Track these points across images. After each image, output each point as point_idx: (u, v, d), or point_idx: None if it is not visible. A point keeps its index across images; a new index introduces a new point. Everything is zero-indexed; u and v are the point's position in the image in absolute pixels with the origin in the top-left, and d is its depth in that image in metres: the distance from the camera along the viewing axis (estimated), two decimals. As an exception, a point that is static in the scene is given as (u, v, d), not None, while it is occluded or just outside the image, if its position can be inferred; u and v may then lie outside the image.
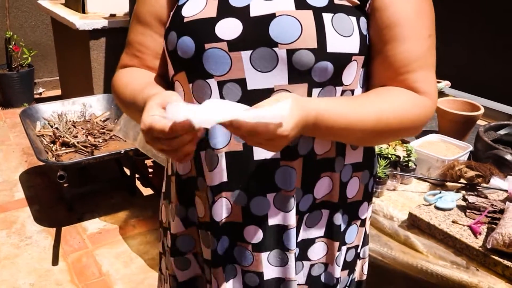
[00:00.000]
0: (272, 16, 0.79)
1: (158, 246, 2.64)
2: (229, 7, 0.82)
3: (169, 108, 0.66)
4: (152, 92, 0.79)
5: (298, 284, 0.96)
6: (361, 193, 0.96)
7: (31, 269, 2.42)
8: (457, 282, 1.16)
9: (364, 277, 1.09)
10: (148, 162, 3.31)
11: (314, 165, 0.87)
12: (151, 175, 3.27)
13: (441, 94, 2.13)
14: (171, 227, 1.00)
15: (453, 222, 1.26)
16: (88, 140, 2.92)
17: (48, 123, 3.06)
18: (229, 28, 0.80)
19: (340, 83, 0.83)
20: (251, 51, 0.80)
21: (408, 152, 1.51)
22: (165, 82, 0.93)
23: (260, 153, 0.84)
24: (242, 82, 0.81)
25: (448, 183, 1.45)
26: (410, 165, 1.50)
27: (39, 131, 2.98)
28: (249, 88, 0.81)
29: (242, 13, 0.81)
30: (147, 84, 0.88)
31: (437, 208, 1.32)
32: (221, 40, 0.80)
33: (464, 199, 1.33)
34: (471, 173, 1.39)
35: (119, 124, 2.66)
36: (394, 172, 1.47)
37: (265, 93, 0.80)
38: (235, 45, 0.80)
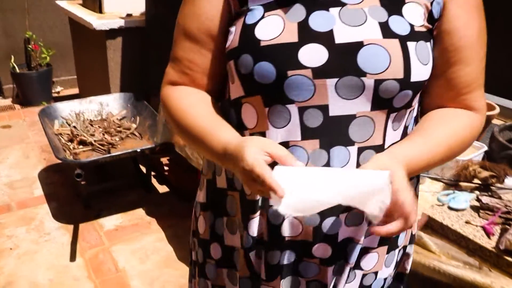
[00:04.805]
0: (360, 45, 0.77)
1: (173, 242, 2.66)
2: (311, 32, 0.78)
3: (277, 171, 0.72)
4: (232, 136, 0.82)
5: None
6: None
7: (49, 265, 2.47)
8: (469, 283, 1.16)
9: (407, 271, 1.09)
10: (164, 160, 3.34)
11: None
12: (166, 173, 3.30)
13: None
14: (229, 239, 0.99)
15: (466, 222, 1.26)
16: (105, 138, 2.96)
17: (66, 122, 3.11)
18: (313, 55, 0.78)
19: (410, 106, 0.86)
20: (337, 79, 0.78)
21: (422, 152, 1.51)
22: (214, 98, 0.93)
23: None
24: (324, 108, 0.81)
25: (462, 183, 1.45)
26: (423, 165, 1.50)
27: (57, 129, 3.03)
28: (331, 114, 0.81)
29: (326, 39, 0.78)
30: (216, 122, 0.87)
31: (450, 208, 1.32)
32: (305, 67, 0.78)
33: (478, 200, 1.33)
34: (485, 174, 1.39)
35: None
36: (408, 172, 1.47)
37: (346, 119, 0.81)
38: (320, 73, 0.78)
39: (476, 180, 1.42)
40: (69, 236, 2.69)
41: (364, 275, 0.97)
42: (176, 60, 0.93)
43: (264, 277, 0.94)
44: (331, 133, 0.81)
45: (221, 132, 0.84)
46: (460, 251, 1.22)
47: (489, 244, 1.18)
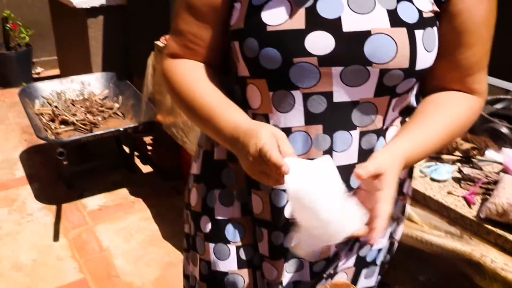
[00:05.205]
0: (367, 34, 0.76)
1: (157, 221, 2.66)
2: (319, 19, 0.77)
3: (288, 162, 0.71)
4: (244, 118, 0.82)
5: (347, 268, 0.99)
6: (406, 171, 1.00)
7: (32, 245, 2.45)
8: (450, 251, 1.18)
9: (396, 241, 1.10)
10: (147, 140, 3.32)
11: None
12: (150, 153, 3.28)
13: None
14: (221, 212, 0.99)
15: (448, 193, 1.27)
16: (87, 118, 2.92)
17: (47, 102, 3.06)
18: (320, 43, 0.77)
19: (412, 90, 0.87)
20: (342, 68, 0.78)
21: (405, 126, 1.52)
22: (218, 72, 0.92)
23: (338, 160, 0.85)
24: (328, 95, 0.81)
25: (444, 156, 1.47)
26: (406, 138, 1.51)
27: (38, 109, 2.98)
28: (334, 100, 0.81)
29: (333, 26, 0.76)
30: (224, 101, 0.86)
31: (432, 179, 1.34)
32: (311, 55, 0.77)
33: (459, 171, 1.35)
34: (466, 146, 1.41)
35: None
36: (391, 145, 1.48)
37: (349, 105, 0.82)
38: (326, 61, 0.77)
39: (457, 153, 1.43)
40: (52, 217, 2.67)
41: (360, 247, 0.99)
42: (178, 33, 0.91)
43: (267, 254, 0.96)
44: (334, 118, 0.82)
45: (231, 112, 0.83)
46: (442, 220, 1.24)
47: (470, 213, 1.20)
